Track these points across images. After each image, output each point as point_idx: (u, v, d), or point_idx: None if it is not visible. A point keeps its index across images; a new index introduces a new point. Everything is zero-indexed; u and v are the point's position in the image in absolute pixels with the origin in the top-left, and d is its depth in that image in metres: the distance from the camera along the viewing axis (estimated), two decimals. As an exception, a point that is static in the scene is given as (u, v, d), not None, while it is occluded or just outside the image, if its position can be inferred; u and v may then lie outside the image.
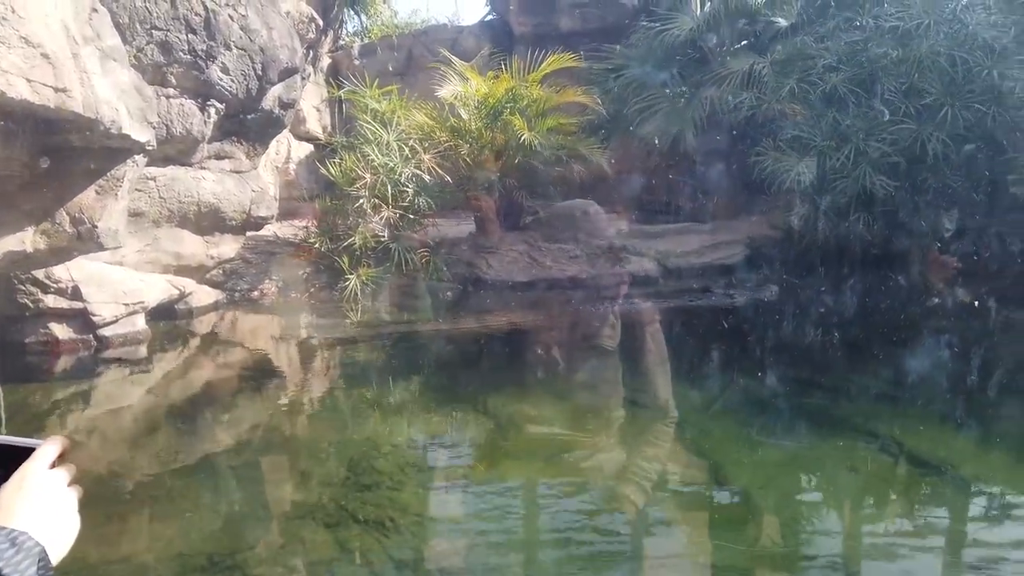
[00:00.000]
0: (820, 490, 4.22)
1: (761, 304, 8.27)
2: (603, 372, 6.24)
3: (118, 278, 6.29)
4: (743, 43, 11.36)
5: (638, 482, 4.14)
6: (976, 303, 8.45)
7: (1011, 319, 7.90)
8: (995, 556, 3.29)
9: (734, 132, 10.53)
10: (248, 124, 7.44)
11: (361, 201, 7.95)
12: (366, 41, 14.53)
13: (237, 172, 7.57)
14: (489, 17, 14.40)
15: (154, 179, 6.72)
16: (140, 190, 6.59)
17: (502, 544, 3.50)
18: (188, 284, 7.26)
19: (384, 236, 8.08)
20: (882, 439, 4.61)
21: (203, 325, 7.29)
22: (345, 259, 7.94)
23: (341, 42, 14.28)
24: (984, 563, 3.25)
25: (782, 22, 10.60)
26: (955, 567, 3.30)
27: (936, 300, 8.68)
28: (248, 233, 8.18)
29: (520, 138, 8.38)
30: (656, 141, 10.94)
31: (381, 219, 7.98)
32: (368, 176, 7.96)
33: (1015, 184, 8.87)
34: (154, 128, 5.09)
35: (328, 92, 10.73)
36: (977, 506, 3.93)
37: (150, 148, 4.90)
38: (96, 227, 4.77)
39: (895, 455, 4.47)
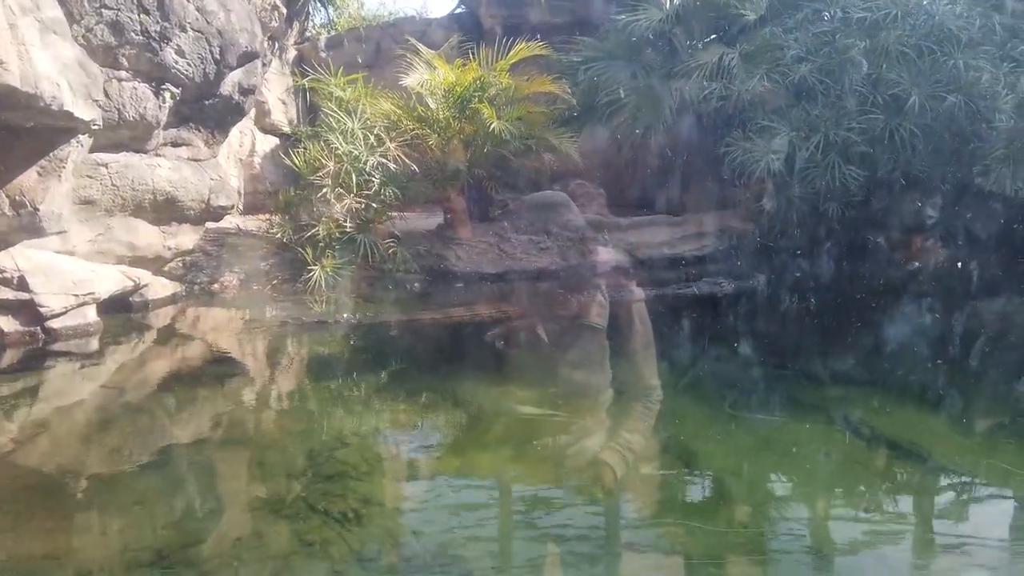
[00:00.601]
0: (792, 473, 4.14)
1: (732, 295, 8.21)
2: (574, 360, 6.10)
3: (68, 268, 6.02)
4: (712, 36, 11.33)
5: (609, 468, 4.04)
6: (943, 293, 8.48)
7: (978, 308, 7.94)
8: (967, 537, 3.25)
9: (704, 123, 10.50)
10: (206, 110, 7.19)
11: (325, 190, 7.74)
12: (333, 33, 14.28)
13: (195, 160, 7.31)
14: (458, 10, 14.24)
15: (106, 166, 6.45)
16: (91, 177, 6.32)
17: (468, 535, 3.35)
18: (143, 276, 6.99)
19: (349, 227, 7.87)
20: (853, 422, 4.57)
21: (160, 318, 7.02)
22: (309, 250, 7.73)
23: (307, 34, 14.01)
24: (957, 544, 3.20)
25: (751, 15, 10.58)
26: (928, 548, 3.24)
27: (904, 290, 8.70)
28: (208, 224, 7.92)
29: (489, 127, 8.22)
30: (626, 133, 10.87)
31: (346, 209, 7.78)
32: (332, 164, 7.76)
33: (980, 174, 8.95)
34: (102, 108, 4.85)
35: (294, 81, 10.47)
36: (951, 487, 3.89)
37: (95, 128, 4.66)
38: (38, 211, 4.52)
39: (867, 438, 4.43)
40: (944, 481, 4.03)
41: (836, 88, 8.88)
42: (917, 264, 9.26)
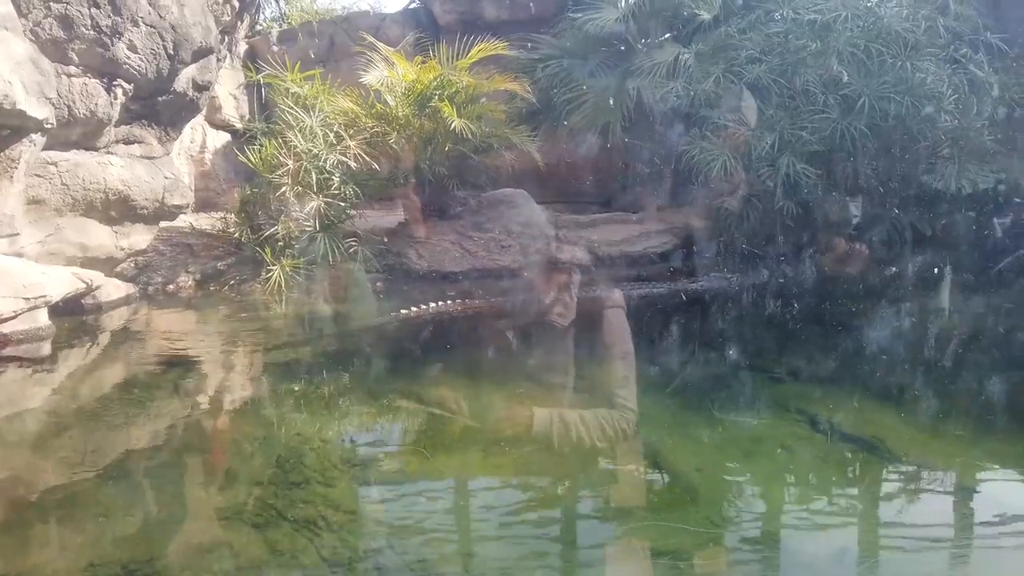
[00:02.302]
0: (757, 470, 4.22)
1: (693, 292, 8.33)
2: (539, 359, 6.12)
3: (16, 270, 5.79)
4: (667, 36, 11.46)
5: (578, 467, 4.06)
6: (891, 291, 8.71)
7: (926, 305, 8.17)
8: (931, 531, 3.34)
9: (662, 123, 10.62)
10: (160, 107, 7.00)
11: (284, 189, 7.61)
12: (285, 27, 14.04)
13: (148, 158, 7.12)
14: (413, 5, 14.12)
15: (55, 164, 6.23)
16: (40, 176, 6.10)
17: (438, 538, 3.35)
18: (96, 277, 6.78)
19: (309, 226, 7.76)
20: (812, 417, 4.66)
21: (113, 320, 6.82)
22: (267, 250, 7.59)
23: (258, 27, 13.74)
24: (921, 538, 3.30)
25: (704, 14, 10.73)
26: (891, 541, 3.33)
27: (852, 287, 8.90)
28: (162, 224, 7.72)
29: (450, 125, 8.18)
30: (584, 131, 10.94)
31: (305, 208, 7.66)
32: (291, 162, 7.62)
33: (926, 172, 9.24)
34: (54, 106, 4.68)
35: (246, 76, 10.24)
36: (910, 481, 4.00)
37: (49, 126, 4.50)
38: (-11, 212, 4.35)
39: (826, 432, 4.53)
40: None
41: (789, 88, 9.07)
42: (866, 264, 9.50)
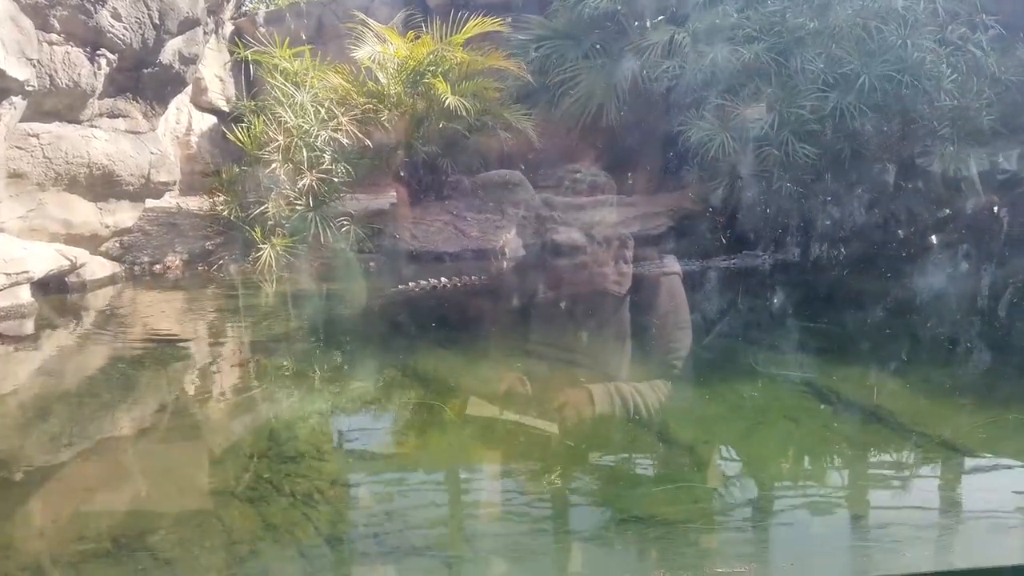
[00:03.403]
0: (764, 442, 4.11)
1: (692, 274, 8.21)
2: (539, 336, 5.98)
3: (-3, 245, 5.59)
4: (660, 17, 11.31)
5: (578, 443, 3.93)
6: (888, 273, 8.61)
7: (916, 286, 8.07)
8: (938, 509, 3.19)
9: (657, 104, 10.48)
10: (145, 79, 6.77)
11: (274, 166, 7.41)
12: (272, 7, 13.74)
13: (134, 133, 6.89)
14: (403, -14, 13.86)
15: (37, 136, 6.00)
16: (21, 148, 5.87)
17: (434, 516, 3.18)
18: (80, 255, 6.56)
19: (300, 205, 7.56)
20: (817, 389, 4.55)
21: (99, 299, 6.61)
22: (257, 229, 7.39)
23: (244, 8, 13.45)
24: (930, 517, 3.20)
25: (700, -6, 10.59)
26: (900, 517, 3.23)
27: (850, 268, 8.82)
28: (148, 202, 7.51)
29: (444, 102, 8.01)
30: (578, 113, 10.78)
31: (296, 186, 7.47)
32: (281, 139, 7.42)
33: (921, 155, 9.16)
34: (34, 67, 4.46)
35: (235, 52, 10.00)
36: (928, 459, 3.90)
37: (30, 88, 4.29)
38: (-33, 179, 4.14)
39: (833, 404, 4.42)
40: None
41: (788, 67, 8.95)
42: (863, 244, 9.40)
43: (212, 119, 11.95)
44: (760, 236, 9.13)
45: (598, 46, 11.10)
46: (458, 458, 3.76)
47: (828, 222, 8.93)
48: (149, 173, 6.89)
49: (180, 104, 10.57)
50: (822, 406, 4.28)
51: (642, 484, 3.40)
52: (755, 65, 9.07)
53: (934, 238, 8.96)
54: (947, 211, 9.16)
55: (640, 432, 3.79)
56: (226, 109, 11.71)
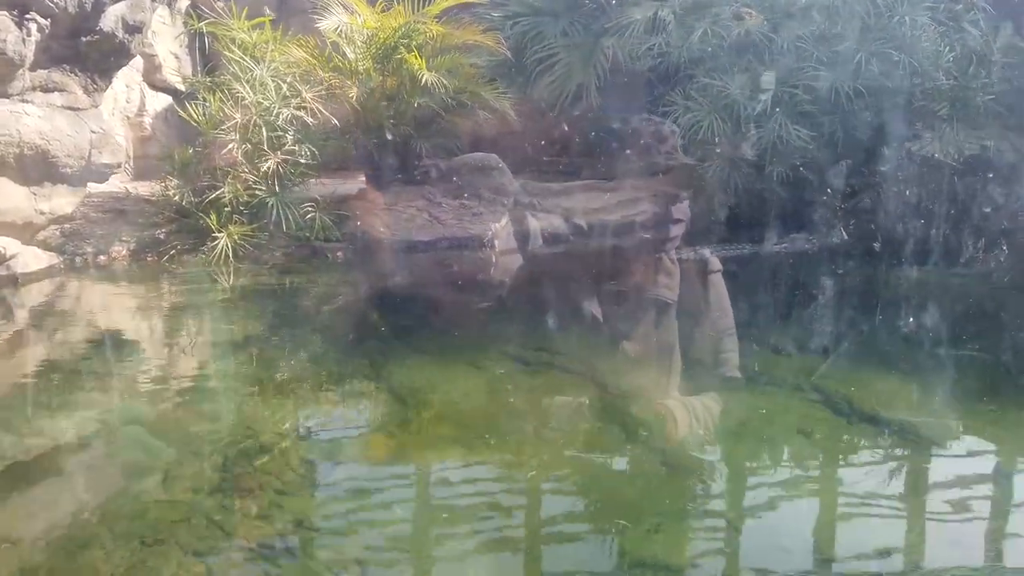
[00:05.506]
0: (757, 448, 3.73)
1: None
2: (512, 332, 5.51)
3: (-91, 234, 4.91)
4: (643, -7, 10.81)
5: (551, 447, 3.64)
6: (876, 261, 8.23)
7: (904, 275, 7.72)
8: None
9: (640, 83, 10.00)
10: (84, 49, 6.09)
11: (231, 146, 6.77)
12: (231, -21, 12.98)
13: (72, 109, 6.22)
14: (371, -40, 13.18)
15: (-42, 111, 5.33)
16: (-62, 124, 5.19)
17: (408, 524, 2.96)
18: (11, 245, 5.90)
19: (260, 189, 6.94)
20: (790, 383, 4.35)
21: (33, 295, 5.95)
22: (213, 216, 6.76)
23: (202, -19, 12.67)
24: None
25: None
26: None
27: (841, 257, 8.43)
28: (91, 186, 6.83)
29: (419, 78, 7.42)
30: (557, 92, 10.26)
31: (255, 168, 6.84)
32: (238, 116, 6.78)
33: (911, 139, 8.81)
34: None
35: (187, 24, 9.30)
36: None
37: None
38: None
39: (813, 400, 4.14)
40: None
41: (780, 45, 8.50)
42: (851, 232, 9.03)
43: (167, 99, 11.19)
44: (749, 224, 8.70)
45: (578, 23, 10.57)
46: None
47: (827, 209, 8.52)
48: (90, 154, 6.22)
49: (131, 82, 9.85)
50: None
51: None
52: (745, 42, 8.62)
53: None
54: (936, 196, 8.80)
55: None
56: (183, 88, 11.00)
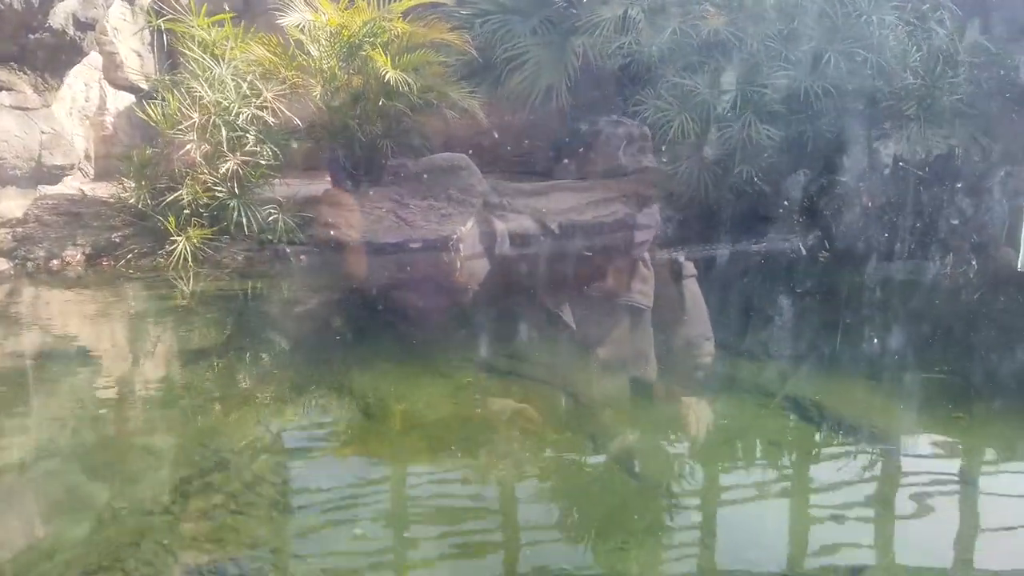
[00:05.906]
0: (734, 456, 3.68)
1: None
2: (481, 338, 5.41)
3: None
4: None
5: (517, 458, 3.56)
6: (841, 263, 8.23)
7: (868, 276, 7.74)
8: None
9: (611, 83, 9.94)
10: (32, 47, 5.88)
11: (189, 147, 6.57)
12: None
13: (21, 109, 6.01)
14: (337, -43, 12.97)
15: None
16: None
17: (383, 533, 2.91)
18: (-45, 250, 5.66)
19: (220, 191, 6.75)
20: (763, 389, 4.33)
21: (-21, 302, 5.72)
22: (171, 219, 6.56)
23: (163, -24, 12.38)
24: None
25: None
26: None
27: (806, 260, 8.42)
28: (43, 188, 6.60)
29: (384, 77, 7.26)
30: (526, 92, 10.16)
31: (215, 169, 6.65)
32: (196, 116, 6.58)
33: (878, 139, 8.86)
34: None
35: (146, 20, 9.05)
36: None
37: None
38: None
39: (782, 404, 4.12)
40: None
41: (748, 44, 8.48)
42: (818, 234, 9.04)
43: (130, 97, 10.93)
44: (720, 224, 8.68)
45: (547, 21, 10.48)
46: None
47: (797, 208, 8.53)
48: (40, 155, 6.01)
49: (91, 80, 9.58)
50: None
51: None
52: (714, 41, 8.58)
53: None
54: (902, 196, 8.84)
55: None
56: (145, 87, 10.74)
